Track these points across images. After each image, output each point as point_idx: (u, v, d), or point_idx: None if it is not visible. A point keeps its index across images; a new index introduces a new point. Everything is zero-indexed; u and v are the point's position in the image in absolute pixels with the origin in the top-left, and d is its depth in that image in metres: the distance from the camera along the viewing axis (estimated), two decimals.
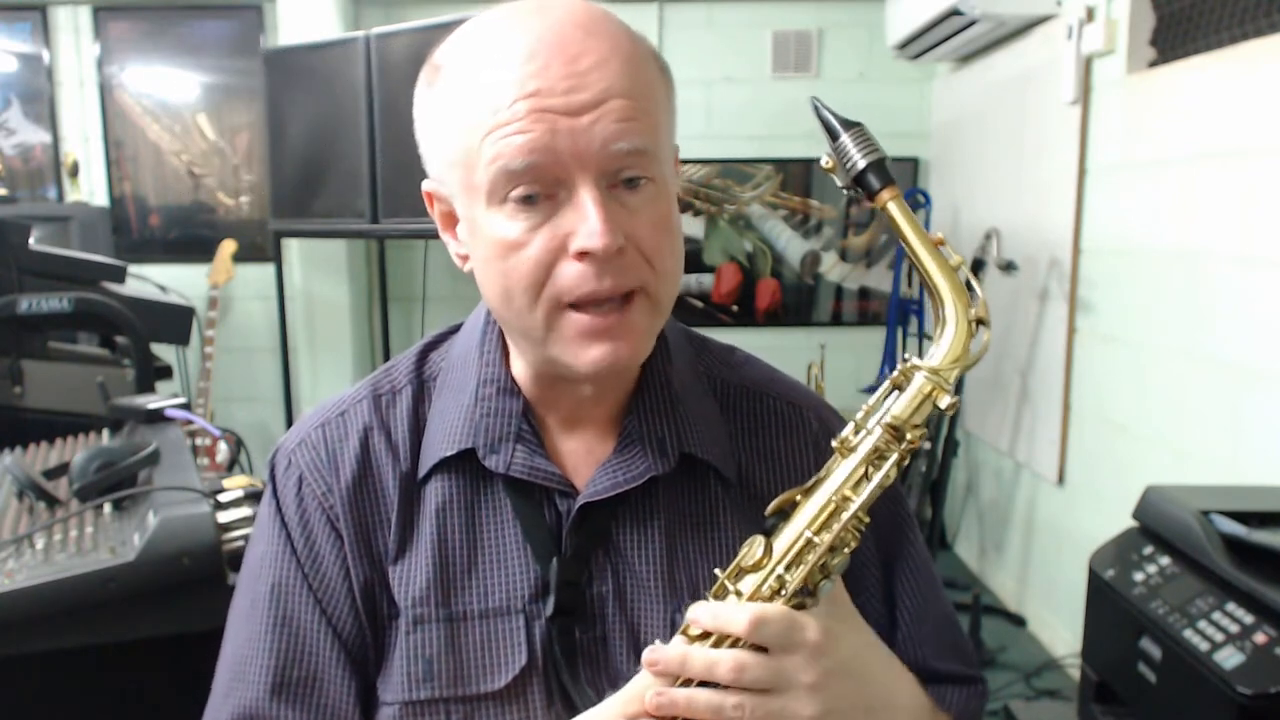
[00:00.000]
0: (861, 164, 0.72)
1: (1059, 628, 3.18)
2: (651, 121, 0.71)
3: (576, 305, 0.72)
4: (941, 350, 0.71)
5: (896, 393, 0.72)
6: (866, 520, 0.71)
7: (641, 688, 0.68)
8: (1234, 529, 1.53)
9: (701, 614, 0.68)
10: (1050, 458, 3.20)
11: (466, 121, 0.71)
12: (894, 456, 0.70)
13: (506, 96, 0.68)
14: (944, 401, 0.70)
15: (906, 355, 0.73)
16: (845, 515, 0.69)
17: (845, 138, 0.73)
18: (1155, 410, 2.60)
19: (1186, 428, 2.45)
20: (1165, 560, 1.62)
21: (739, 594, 0.69)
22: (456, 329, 0.88)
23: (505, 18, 0.72)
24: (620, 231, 0.69)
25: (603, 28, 0.71)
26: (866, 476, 0.70)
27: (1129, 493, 1.81)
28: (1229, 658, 1.37)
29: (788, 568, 0.69)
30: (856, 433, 0.72)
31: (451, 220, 0.78)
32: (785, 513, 0.71)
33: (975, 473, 4.01)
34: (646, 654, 0.68)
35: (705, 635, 0.69)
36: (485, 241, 0.73)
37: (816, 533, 0.69)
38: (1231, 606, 1.44)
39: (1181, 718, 1.48)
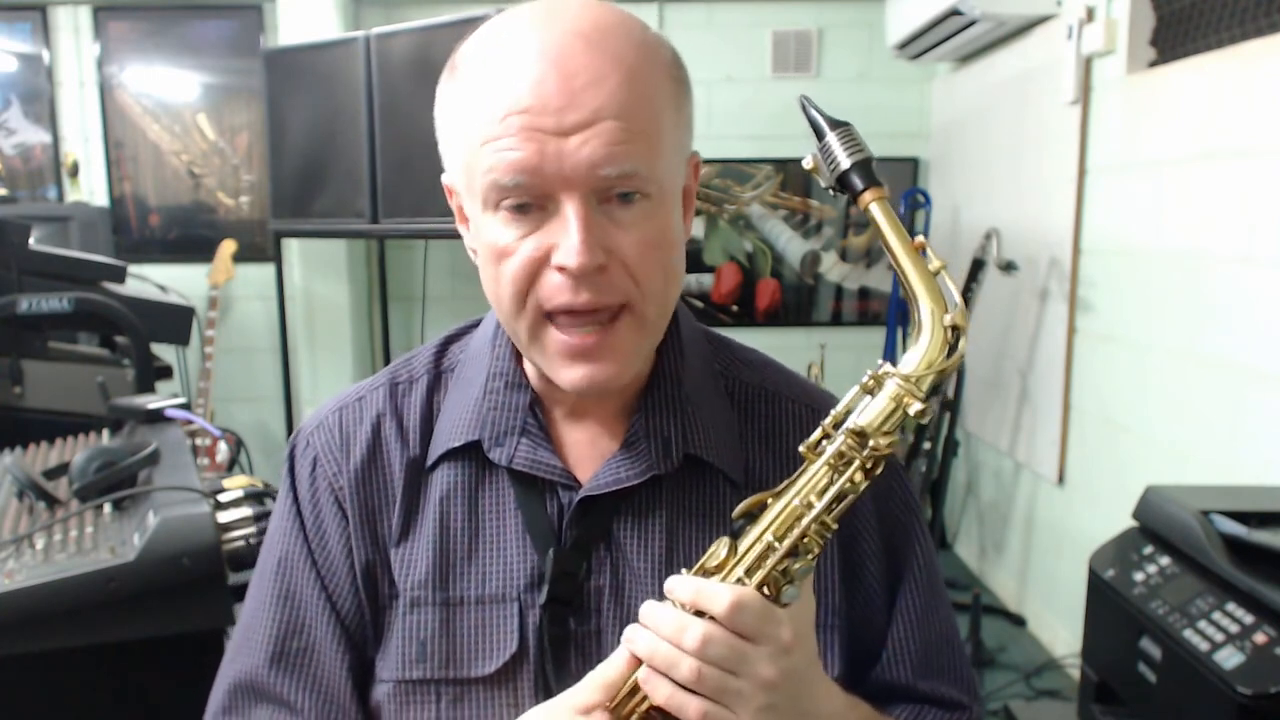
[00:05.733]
0: (846, 164, 0.72)
1: (1059, 628, 3.18)
2: (648, 142, 0.70)
3: (557, 318, 0.72)
4: (915, 357, 0.70)
5: (868, 398, 0.71)
6: (834, 527, 0.70)
7: (591, 684, 0.68)
8: (1234, 529, 1.53)
9: (681, 587, 0.68)
10: (1050, 458, 3.20)
11: (469, 127, 0.72)
12: (857, 463, 0.69)
13: (500, 109, 0.69)
14: (914, 408, 0.69)
15: (881, 361, 0.72)
16: (805, 521, 0.69)
17: (831, 137, 0.73)
18: (1155, 410, 2.60)
19: (1186, 428, 2.45)
20: (1165, 560, 1.62)
21: None
22: (479, 323, 0.89)
23: (515, 23, 0.72)
24: (601, 249, 0.70)
25: (607, 40, 0.70)
26: (831, 483, 0.70)
27: (1129, 493, 1.81)
28: (1229, 658, 1.37)
29: (748, 571, 0.69)
30: (825, 438, 0.71)
31: (465, 214, 0.79)
32: (754, 515, 0.71)
33: (975, 473, 4.01)
34: (645, 606, 0.68)
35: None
36: (482, 244, 0.74)
37: (777, 538, 0.69)
38: (1231, 606, 1.44)
39: (1181, 718, 1.48)
